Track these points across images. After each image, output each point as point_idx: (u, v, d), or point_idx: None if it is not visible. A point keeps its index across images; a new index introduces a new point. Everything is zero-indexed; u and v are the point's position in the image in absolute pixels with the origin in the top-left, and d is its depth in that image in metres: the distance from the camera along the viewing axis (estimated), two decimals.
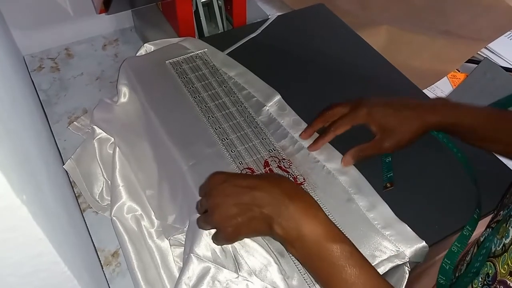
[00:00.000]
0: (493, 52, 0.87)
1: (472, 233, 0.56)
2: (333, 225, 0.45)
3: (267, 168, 0.59)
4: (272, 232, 0.46)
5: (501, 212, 0.50)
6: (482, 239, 0.53)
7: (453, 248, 0.55)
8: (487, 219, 0.55)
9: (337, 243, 0.43)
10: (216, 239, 0.49)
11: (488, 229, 0.52)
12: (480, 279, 0.46)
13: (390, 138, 0.58)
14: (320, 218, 0.45)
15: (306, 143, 0.63)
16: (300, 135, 0.63)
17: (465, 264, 0.55)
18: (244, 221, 0.46)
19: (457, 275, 0.57)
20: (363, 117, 0.59)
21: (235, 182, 0.47)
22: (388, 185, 0.59)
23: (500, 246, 0.44)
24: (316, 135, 0.63)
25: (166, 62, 0.72)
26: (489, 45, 0.88)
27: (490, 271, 0.44)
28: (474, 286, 0.47)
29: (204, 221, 0.49)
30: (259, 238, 0.52)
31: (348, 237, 0.47)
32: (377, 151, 0.59)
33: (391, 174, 0.60)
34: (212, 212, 0.47)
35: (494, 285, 0.43)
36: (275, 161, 0.60)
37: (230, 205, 0.46)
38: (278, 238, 0.46)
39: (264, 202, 0.45)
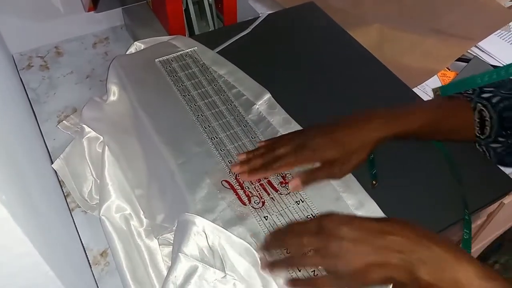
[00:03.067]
0: (483, 51, 0.88)
1: (471, 234, 0.56)
2: (480, 263, 0.41)
3: None
4: (414, 279, 0.41)
5: None
6: None
7: None
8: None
9: (496, 280, 0.40)
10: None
11: None
12: None
13: (339, 165, 0.56)
14: (467, 257, 0.41)
15: None
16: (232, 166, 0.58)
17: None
18: (377, 265, 0.42)
19: None
20: (307, 160, 0.56)
21: (361, 225, 0.44)
22: (374, 182, 0.59)
23: None
24: None
25: (156, 60, 0.72)
26: (479, 43, 0.88)
27: None
28: None
29: (312, 262, 0.45)
30: (247, 236, 0.52)
31: None
32: (329, 176, 0.57)
33: (375, 171, 0.60)
34: (338, 258, 0.43)
35: None
36: None
37: (362, 252, 0.42)
38: (425, 284, 0.41)
39: (404, 247, 0.42)
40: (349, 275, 0.43)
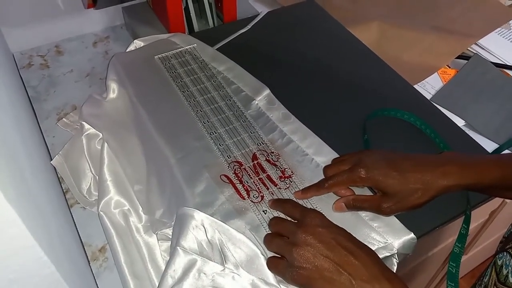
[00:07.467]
0: (483, 48, 0.87)
1: (469, 229, 0.56)
2: None
3: (255, 161, 0.59)
4: None
5: None
6: (499, 262, 0.51)
7: (455, 250, 0.54)
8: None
9: None
10: (277, 268, 0.47)
11: (505, 253, 0.51)
12: None
13: (392, 202, 0.51)
14: None
15: (295, 137, 0.62)
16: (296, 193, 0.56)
17: (482, 285, 0.54)
18: (325, 278, 0.43)
19: None
20: (361, 180, 0.52)
21: (337, 237, 0.45)
22: None
23: None
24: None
25: (155, 57, 0.72)
26: (479, 41, 0.88)
27: None
28: None
29: (277, 243, 0.47)
30: (246, 230, 0.51)
31: None
32: (375, 210, 0.53)
33: None
34: (297, 245, 0.45)
35: None
36: (264, 155, 0.60)
37: (320, 254, 0.44)
38: None
39: (359, 274, 0.43)
40: (297, 267, 0.44)
